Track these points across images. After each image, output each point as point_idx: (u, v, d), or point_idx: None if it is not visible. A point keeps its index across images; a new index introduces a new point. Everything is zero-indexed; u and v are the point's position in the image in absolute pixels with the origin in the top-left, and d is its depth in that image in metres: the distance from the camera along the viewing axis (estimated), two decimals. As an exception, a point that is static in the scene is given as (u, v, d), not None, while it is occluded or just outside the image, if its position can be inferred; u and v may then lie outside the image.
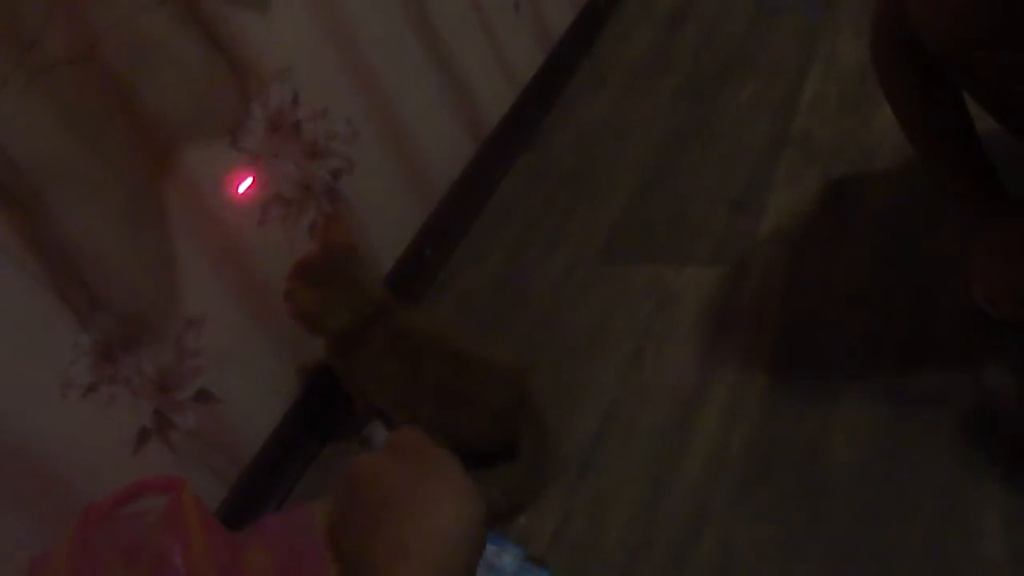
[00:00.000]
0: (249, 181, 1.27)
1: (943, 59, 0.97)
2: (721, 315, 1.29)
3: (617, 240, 1.52)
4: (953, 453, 0.99)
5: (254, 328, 1.28)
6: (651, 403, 1.20)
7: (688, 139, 1.69)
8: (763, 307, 1.27)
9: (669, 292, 1.36)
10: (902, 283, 1.21)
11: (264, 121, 1.30)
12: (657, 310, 1.34)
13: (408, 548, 0.44)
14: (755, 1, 2.00)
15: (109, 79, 1.10)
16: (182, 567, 0.89)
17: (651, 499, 1.08)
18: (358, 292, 1.21)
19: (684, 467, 1.10)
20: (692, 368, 1.22)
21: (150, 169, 1.16)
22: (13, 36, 1.00)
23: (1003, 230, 1.08)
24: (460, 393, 1.16)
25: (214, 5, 1.23)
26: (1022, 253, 1.06)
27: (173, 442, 1.16)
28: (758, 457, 1.07)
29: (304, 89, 1.36)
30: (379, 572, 0.44)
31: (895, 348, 1.13)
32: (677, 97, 1.83)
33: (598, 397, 1.24)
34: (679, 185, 1.58)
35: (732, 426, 1.12)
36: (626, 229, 1.54)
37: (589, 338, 1.35)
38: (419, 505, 0.46)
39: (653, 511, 1.06)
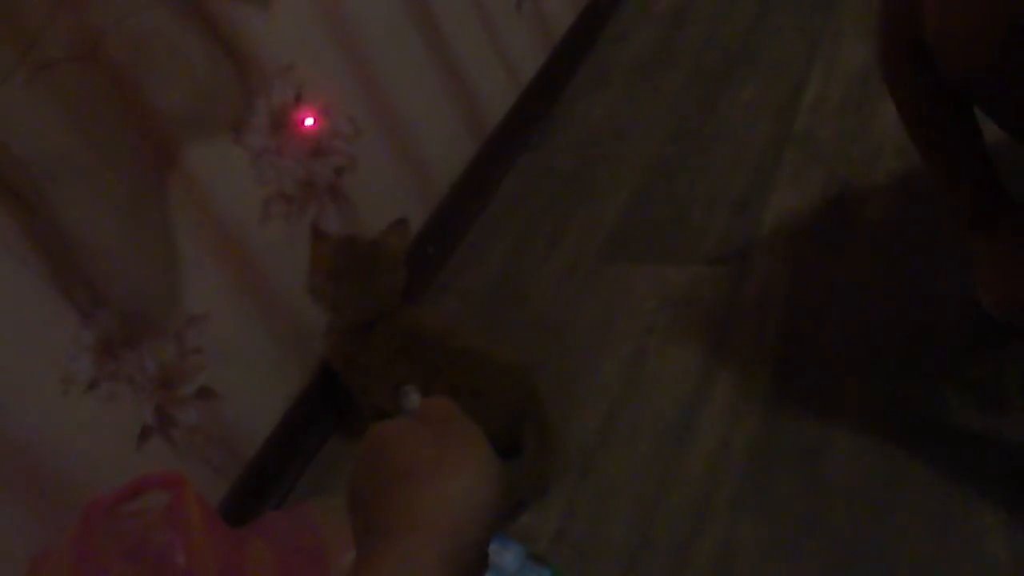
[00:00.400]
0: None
1: (954, 75, 0.96)
2: (723, 315, 1.29)
3: (618, 239, 1.52)
4: (954, 453, 0.99)
5: (256, 325, 1.28)
6: (653, 402, 1.20)
7: (690, 139, 1.69)
8: (764, 307, 1.27)
9: (671, 292, 1.36)
10: (903, 283, 1.21)
11: (267, 118, 1.30)
12: (658, 310, 1.34)
13: (422, 514, 0.44)
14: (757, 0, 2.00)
15: (112, 75, 1.10)
16: (184, 564, 0.89)
17: (653, 498, 1.08)
18: (372, 292, 1.22)
19: (686, 466, 1.10)
20: (693, 368, 1.22)
21: (153, 165, 1.16)
22: (16, 32, 1.01)
23: (1007, 236, 1.08)
24: (473, 391, 1.15)
25: (217, 2, 1.23)
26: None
27: (174, 439, 1.16)
28: (759, 456, 1.07)
29: (306, 87, 1.36)
30: (392, 536, 0.43)
31: (895, 348, 1.13)
32: (679, 97, 1.83)
33: (600, 396, 1.24)
34: (681, 185, 1.58)
35: (733, 426, 1.12)
36: (627, 229, 1.54)
37: (591, 338, 1.35)
38: (438, 473, 0.45)
39: (655, 510, 1.06)
